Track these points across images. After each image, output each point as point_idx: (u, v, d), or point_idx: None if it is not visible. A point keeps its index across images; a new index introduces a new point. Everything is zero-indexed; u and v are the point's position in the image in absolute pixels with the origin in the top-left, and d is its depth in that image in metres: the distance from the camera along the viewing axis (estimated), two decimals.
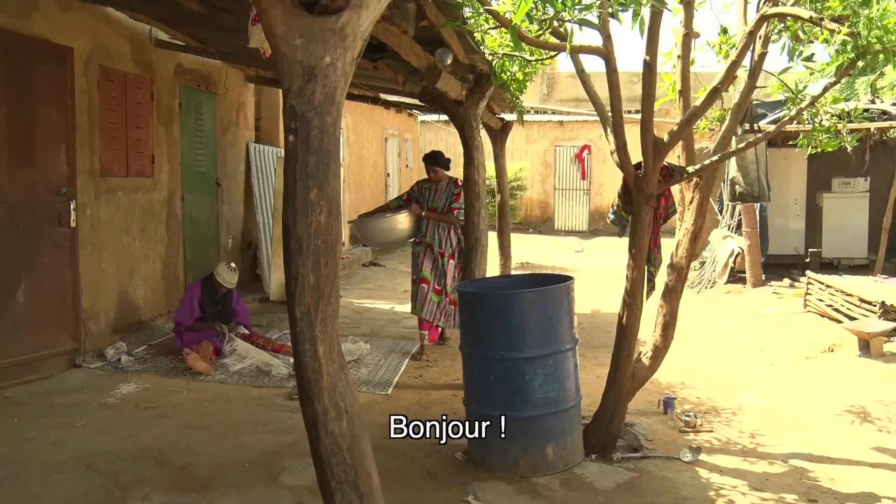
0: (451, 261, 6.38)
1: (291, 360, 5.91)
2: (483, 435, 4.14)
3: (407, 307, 9.08)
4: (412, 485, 3.90)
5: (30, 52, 5.37)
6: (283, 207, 2.17)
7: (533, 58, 5.48)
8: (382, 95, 10.14)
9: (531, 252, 14.49)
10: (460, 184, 6.24)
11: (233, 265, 6.51)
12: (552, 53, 5.16)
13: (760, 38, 4.10)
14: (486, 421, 4.14)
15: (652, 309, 4.55)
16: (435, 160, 6.53)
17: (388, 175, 15.97)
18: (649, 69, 3.98)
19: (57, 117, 5.59)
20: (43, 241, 5.50)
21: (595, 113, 4.49)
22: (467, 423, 4.30)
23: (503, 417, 4.04)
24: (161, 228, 7.35)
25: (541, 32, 3.72)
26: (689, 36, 4.27)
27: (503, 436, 4.06)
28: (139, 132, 6.88)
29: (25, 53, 5.32)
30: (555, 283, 4.29)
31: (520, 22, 2.95)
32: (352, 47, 2.24)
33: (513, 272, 9.25)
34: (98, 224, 6.26)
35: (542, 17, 3.26)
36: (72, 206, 5.71)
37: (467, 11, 4.42)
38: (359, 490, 2.29)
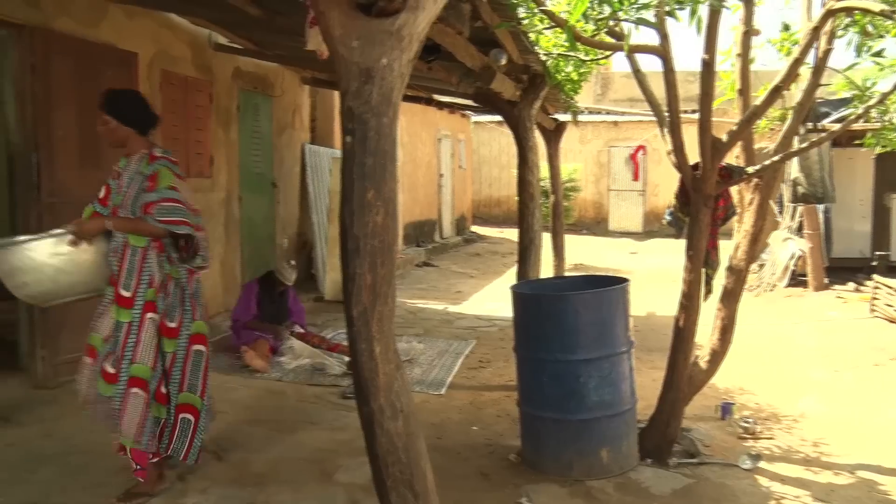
0: (151, 314, 3.48)
1: (346, 358, 6.00)
2: (537, 437, 4.13)
3: (460, 307, 9.14)
4: (465, 485, 3.90)
5: (98, 58, 5.54)
6: (341, 208, 2.19)
7: (588, 58, 5.43)
8: (436, 96, 10.18)
9: (585, 253, 14.37)
10: (159, 155, 3.57)
11: (292, 263, 6.62)
12: (608, 53, 5.11)
13: (826, 33, 3.99)
14: (539, 423, 4.12)
15: (709, 312, 4.46)
16: (112, 104, 3.62)
17: (442, 176, 16.01)
18: (708, 68, 3.91)
19: None
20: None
21: (650, 113, 4.43)
22: (521, 425, 4.30)
23: (557, 420, 4.02)
24: (219, 228, 7.50)
25: (597, 32, 3.69)
26: (749, 33, 4.19)
27: (557, 438, 4.04)
28: (198, 134, 7.04)
29: (94, 59, 5.49)
30: (610, 285, 4.25)
31: (576, 22, 2.93)
32: (408, 49, 2.25)
33: (566, 273, 9.18)
34: None
35: (599, 17, 3.24)
36: None
37: (522, 12, 4.40)
38: (414, 489, 2.30)
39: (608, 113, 20.29)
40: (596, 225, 20.69)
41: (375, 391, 2.22)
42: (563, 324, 4.05)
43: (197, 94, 7.01)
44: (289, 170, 9.25)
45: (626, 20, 3.33)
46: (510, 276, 10.81)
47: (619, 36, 3.96)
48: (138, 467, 3.57)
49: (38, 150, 5.07)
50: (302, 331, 6.55)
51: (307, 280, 9.50)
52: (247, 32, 7.07)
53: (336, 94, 10.28)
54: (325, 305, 8.64)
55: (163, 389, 3.56)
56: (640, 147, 20.17)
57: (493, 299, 9.54)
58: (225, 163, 7.58)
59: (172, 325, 3.57)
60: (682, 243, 4.39)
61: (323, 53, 3.06)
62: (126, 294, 3.48)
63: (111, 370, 3.48)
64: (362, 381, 2.24)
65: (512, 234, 16.89)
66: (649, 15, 3.49)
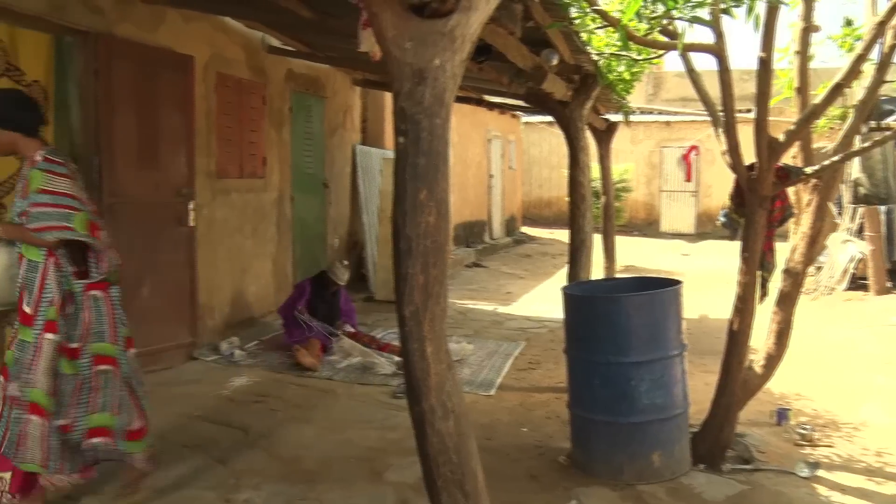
0: (49, 335, 3.23)
1: (396, 358, 6.03)
2: (587, 439, 4.10)
3: (510, 308, 9.11)
4: (514, 487, 3.88)
5: (156, 62, 5.68)
6: (393, 208, 2.21)
7: (641, 57, 5.37)
8: (486, 97, 10.17)
9: (636, 255, 14.20)
10: (38, 158, 3.26)
11: (345, 262, 6.69)
12: (661, 53, 5.04)
13: (892, 28, 3.87)
14: (590, 425, 4.09)
15: (765, 315, 4.37)
16: None
17: (492, 177, 16.00)
18: (765, 66, 3.82)
19: (179, 122, 5.89)
20: (164, 240, 5.79)
21: (703, 112, 4.37)
22: (571, 427, 4.27)
23: (608, 423, 3.98)
24: (272, 228, 7.61)
25: (650, 31, 3.65)
26: (808, 30, 4.09)
27: (608, 441, 4.00)
28: (252, 135, 7.16)
29: (153, 63, 5.64)
30: (662, 287, 4.19)
31: (629, 21, 2.90)
32: (460, 49, 2.26)
33: (617, 275, 9.08)
34: (214, 223, 6.55)
35: (652, 16, 3.20)
36: (190, 207, 6.00)
37: (574, 11, 4.37)
38: (464, 490, 2.30)
39: (660, 113, 20.02)
40: (647, 226, 20.43)
41: (427, 391, 2.23)
42: (614, 326, 4.01)
43: (251, 96, 7.13)
44: (340, 170, 9.35)
45: (680, 19, 3.29)
46: (560, 278, 10.74)
47: (673, 35, 3.91)
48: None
49: (100, 152, 5.22)
50: (353, 330, 6.61)
51: (358, 280, 9.58)
52: (299, 35, 7.17)
53: (387, 95, 10.35)
54: (376, 305, 8.71)
55: (62, 421, 3.29)
56: (693, 147, 19.86)
57: (543, 300, 9.49)
58: (277, 163, 7.69)
59: (73, 345, 3.31)
60: (736, 245, 4.30)
61: (376, 55, 3.08)
62: (28, 311, 3.22)
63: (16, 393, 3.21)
64: (414, 381, 2.25)
65: (562, 235, 16.77)
66: (704, 13, 3.44)
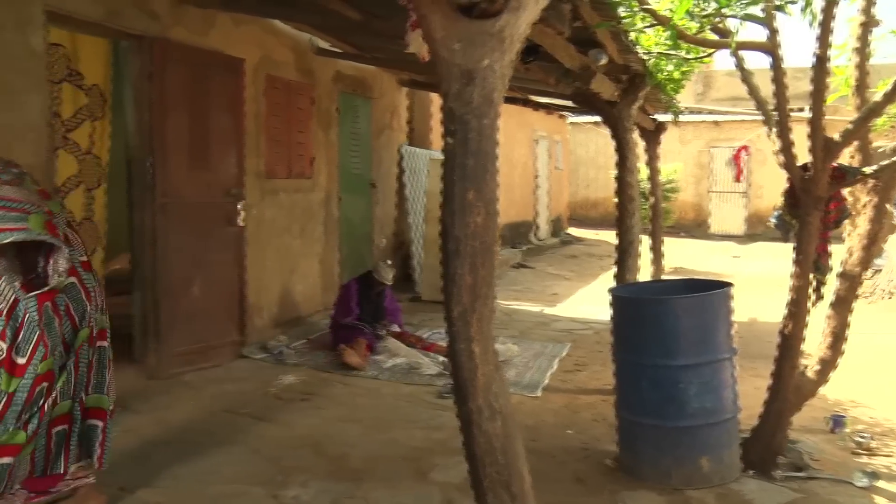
0: None
1: (441, 358, 6.05)
2: (634, 442, 4.06)
3: (556, 309, 9.06)
4: (560, 489, 3.86)
5: (208, 64, 5.78)
6: (441, 208, 2.22)
7: (690, 56, 5.29)
8: (532, 97, 10.13)
9: (684, 256, 14.00)
10: None
11: (390, 262, 6.73)
12: (712, 51, 4.96)
13: None
14: (637, 428, 4.04)
15: (819, 319, 4.27)
16: None
17: (538, 177, 15.93)
18: (821, 63, 3.73)
19: (229, 123, 5.99)
20: (215, 239, 5.90)
21: (754, 112, 4.30)
22: (618, 430, 4.23)
23: (656, 426, 3.93)
24: (319, 228, 7.69)
25: (701, 30, 3.59)
26: (868, 25, 3.98)
27: (655, 445, 3.95)
28: (300, 136, 7.25)
29: (204, 66, 5.74)
30: (712, 290, 4.12)
31: (679, 20, 2.86)
32: (509, 50, 2.25)
33: (665, 277, 8.96)
34: (262, 223, 6.65)
35: (703, 14, 3.15)
36: (240, 207, 6.09)
37: (623, 11, 4.33)
38: (511, 491, 2.30)
39: (710, 112, 19.69)
40: (696, 227, 20.13)
41: (474, 391, 2.23)
42: (662, 328, 3.96)
43: (299, 98, 7.22)
44: (386, 170, 9.41)
45: (732, 16, 3.23)
46: (607, 279, 10.63)
47: (724, 33, 3.85)
48: None
49: (153, 153, 5.34)
50: (398, 330, 6.64)
51: (403, 280, 9.63)
52: (347, 36, 7.23)
53: (433, 96, 10.38)
54: (421, 305, 8.73)
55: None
56: (744, 147, 19.49)
57: (590, 302, 9.42)
58: (325, 163, 7.77)
59: (21, 360, 2.99)
60: (788, 247, 4.21)
61: (424, 56, 3.09)
62: None
63: None
64: (461, 382, 2.25)
65: (608, 236, 16.62)
66: (757, 10, 3.37)
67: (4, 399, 2.95)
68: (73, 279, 3.19)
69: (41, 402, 3.07)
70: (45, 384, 3.07)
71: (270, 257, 6.80)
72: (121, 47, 5.42)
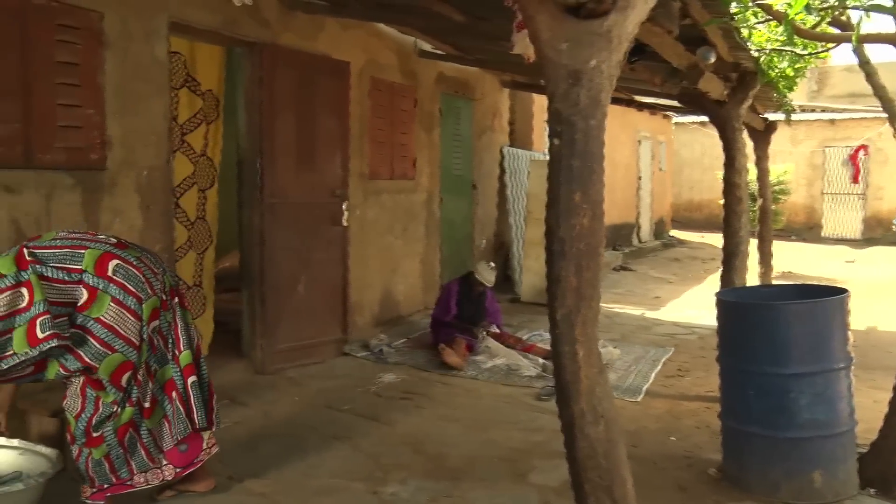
0: None
1: (540, 360, 6.02)
2: (740, 452, 3.92)
3: (658, 313, 8.86)
4: (661, 497, 3.77)
5: (315, 68, 5.96)
6: (547, 210, 2.21)
7: (806, 52, 5.07)
8: (636, 97, 9.94)
9: (794, 261, 13.42)
10: None
11: (492, 264, 6.74)
12: (830, 46, 4.74)
13: None
14: (743, 438, 3.91)
15: None
16: None
17: (641, 178, 15.64)
18: None
19: (335, 126, 6.15)
20: (320, 239, 6.06)
21: (874, 109, 4.09)
22: (722, 439, 4.10)
23: (764, 436, 3.79)
24: (420, 228, 7.79)
25: (819, 23, 3.44)
26: None
27: (763, 456, 3.81)
28: (403, 137, 7.36)
29: (312, 69, 5.92)
30: (825, 296, 3.94)
31: (796, 14, 2.75)
32: (617, 50, 2.23)
33: (774, 282, 8.62)
34: (365, 223, 6.79)
35: (823, 7, 3.01)
36: (344, 207, 6.24)
37: (734, 7, 4.19)
38: (612, 496, 2.27)
39: (824, 111, 18.79)
40: (807, 230, 19.25)
41: (577, 394, 2.21)
42: (772, 335, 3.81)
43: (402, 99, 7.33)
44: (488, 172, 9.43)
45: (856, 7, 3.07)
46: (711, 283, 10.32)
47: (846, 26, 3.67)
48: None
49: (262, 155, 5.54)
50: (498, 331, 6.65)
51: (503, 281, 9.63)
52: (450, 38, 7.30)
53: (535, 97, 10.35)
54: (521, 307, 8.71)
55: None
56: (862, 147, 18.51)
57: (693, 306, 9.16)
58: (427, 165, 7.86)
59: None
60: None
61: (529, 57, 3.09)
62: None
63: None
64: (564, 384, 2.24)
65: (713, 238, 16.12)
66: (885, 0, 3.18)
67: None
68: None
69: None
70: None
71: (373, 257, 6.94)
72: (234, 54, 5.66)
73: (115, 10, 4.44)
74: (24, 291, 2.98)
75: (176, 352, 3.39)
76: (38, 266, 3.04)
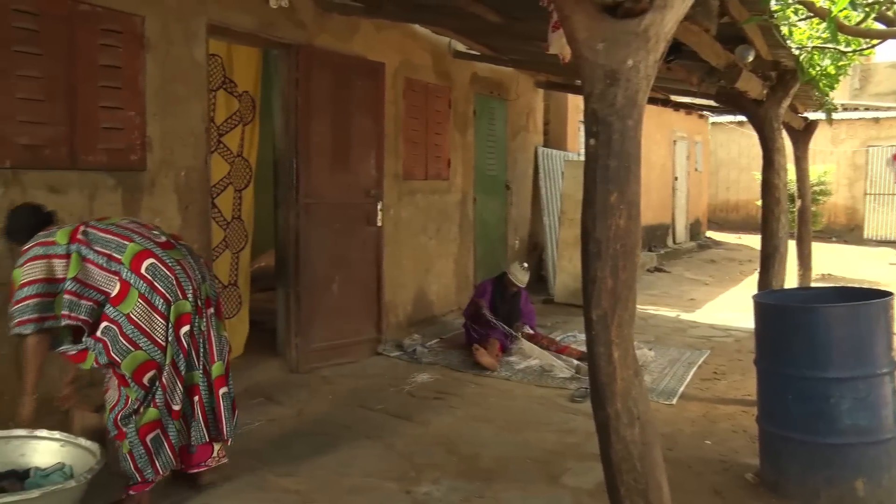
0: None
1: (574, 361, 5.99)
2: (779, 457, 3.86)
3: (693, 315, 8.76)
4: (697, 501, 3.73)
5: (350, 70, 5.99)
6: (583, 210, 2.20)
7: (849, 49, 4.97)
8: (672, 97, 9.84)
9: (835, 263, 13.17)
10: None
11: (525, 265, 6.72)
12: (876, 42, 4.63)
13: None
14: (782, 443, 3.84)
15: None
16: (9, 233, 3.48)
17: (676, 179, 15.47)
18: None
19: (369, 126, 6.18)
20: (354, 239, 6.10)
21: None
22: (760, 443, 4.03)
23: (803, 442, 3.72)
24: (454, 229, 7.80)
25: (864, 19, 3.37)
26: None
27: (802, 462, 3.74)
28: (437, 138, 7.37)
29: (347, 70, 5.96)
30: (867, 299, 3.86)
31: (840, 10, 2.70)
32: (654, 49, 2.21)
33: (813, 284, 8.47)
34: (400, 224, 6.81)
35: (869, 2, 2.95)
36: (378, 207, 6.27)
37: (774, 4, 4.13)
38: (648, 500, 2.25)
39: (867, 109, 18.41)
40: (848, 232, 18.88)
41: (612, 396, 2.19)
42: (812, 338, 3.74)
43: (436, 100, 7.34)
44: (522, 172, 9.41)
45: None
46: (748, 285, 10.18)
47: (892, 21, 3.59)
48: None
49: (298, 156, 5.59)
50: (532, 332, 6.63)
51: (537, 282, 9.59)
52: (485, 39, 7.29)
53: (569, 97, 10.30)
54: (555, 307, 8.68)
55: None
56: None
57: (729, 308, 9.04)
58: (461, 165, 7.87)
59: None
60: None
61: (565, 57, 3.08)
62: None
63: None
64: (599, 386, 2.22)
65: (750, 240, 15.88)
66: None
67: None
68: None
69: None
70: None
71: (407, 257, 6.96)
72: (271, 55, 5.71)
73: (156, 13, 4.51)
74: (64, 264, 3.19)
75: (208, 362, 3.44)
76: (83, 247, 3.21)
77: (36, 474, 3.12)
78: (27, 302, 3.14)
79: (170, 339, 3.26)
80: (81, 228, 3.27)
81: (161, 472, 3.35)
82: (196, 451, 3.51)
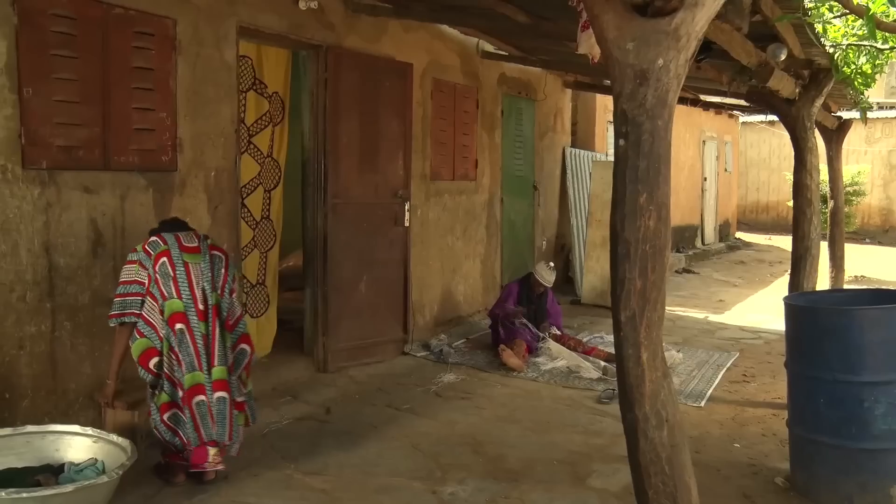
0: None
1: (601, 363, 5.96)
2: (810, 462, 3.81)
3: (722, 317, 8.68)
4: None
5: (378, 70, 6.01)
6: (612, 211, 2.18)
7: (887, 46, 4.87)
8: (702, 96, 9.75)
9: (868, 265, 12.94)
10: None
11: (551, 265, 6.70)
12: None
13: None
14: (813, 447, 3.79)
15: None
16: None
17: (705, 179, 15.32)
18: None
19: (397, 127, 6.19)
20: (381, 239, 6.12)
21: None
22: (790, 447, 3.98)
23: (835, 446, 3.66)
24: (481, 229, 7.79)
25: None
26: None
27: (834, 467, 3.69)
28: (464, 138, 7.37)
29: (375, 71, 5.98)
30: None
31: (879, 7, 2.65)
32: (685, 48, 2.19)
33: (846, 286, 8.35)
34: (427, 224, 6.82)
35: None
36: (406, 208, 6.28)
37: (808, 2, 4.07)
38: (676, 503, 2.23)
39: None
40: (882, 233, 18.56)
41: (641, 398, 2.18)
42: (845, 341, 3.68)
43: (464, 100, 7.34)
44: (549, 172, 9.38)
45: None
46: (778, 287, 10.06)
47: None
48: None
49: (326, 156, 5.62)
50: (558, 333, 6.61)
51: (564, 282, 9.56)
52: (513, 39, 7.28)
53: (598, 97, 10.24)
54: (582, 308, 8.64)
55: None
56: None
57: (759, 310, 8.94)
58: (488, 165, 7.86)
59: None
60: None
61: (595, 57, 3.07)
62: None
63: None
64: (628, 388, 2.21)
65: (781, 241, 15.67)
66: None
67: None
68: None
69: None
70: None
71: (434, 257, 6.97)
72: (300, 57, 5.75)
73: (188, 16, 4.56)
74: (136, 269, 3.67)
75: (209, 365, 3.67)
76: (143, 254, 3.66)
77: (70, 469, 3.19)
78: (115, 299, 3.63)
79: (163, 333, 3.60)
80: (150, 238, 3.74)
81: (187, 443, 3.60)
82: (193, 452, 3.64)
